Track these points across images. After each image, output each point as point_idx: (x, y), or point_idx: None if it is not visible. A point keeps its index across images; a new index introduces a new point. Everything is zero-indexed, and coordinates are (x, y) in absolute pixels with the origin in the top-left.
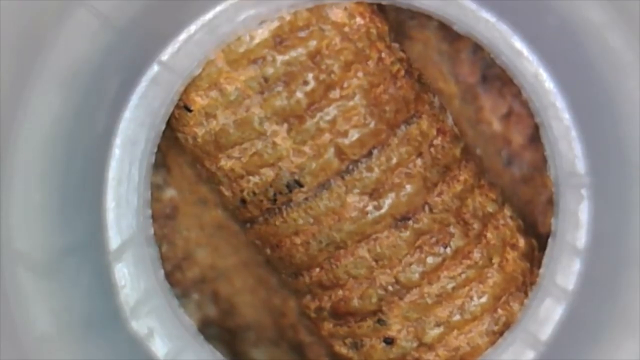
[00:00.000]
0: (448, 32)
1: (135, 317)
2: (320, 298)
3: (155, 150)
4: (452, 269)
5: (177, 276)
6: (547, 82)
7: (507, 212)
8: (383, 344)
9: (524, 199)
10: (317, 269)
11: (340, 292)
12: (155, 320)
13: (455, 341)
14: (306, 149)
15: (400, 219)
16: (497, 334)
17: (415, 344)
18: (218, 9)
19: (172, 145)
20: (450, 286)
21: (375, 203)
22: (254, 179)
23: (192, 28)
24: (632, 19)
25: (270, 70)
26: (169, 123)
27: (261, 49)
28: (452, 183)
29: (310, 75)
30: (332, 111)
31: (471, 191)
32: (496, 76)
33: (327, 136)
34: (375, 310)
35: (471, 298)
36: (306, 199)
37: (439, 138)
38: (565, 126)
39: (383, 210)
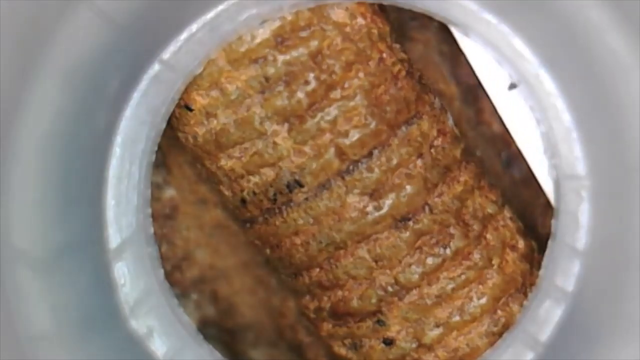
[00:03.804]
0: (449, 33)
1: (135, 316)
2: (320, 298)
3: (155, 148)
4: (451, 270)
5: (176, 276)
6: (548, 84)
7: (507, 213)
8: (382, 345)
9: (523, 200)
10: (317, 269)
11: (339, 293)
12: (154, 319)
13: (454, 342)
14: (307, 148)
15: (400, 220)
16: (497, 335)
17: (414, 345)
18: (220, 8)
19: (173, 144)
20: (449, 287)
21: (375, 203)
22: (254, 178)
23: (194, 27)
24: (632, 21)
25: (271, 70)
26: (169, 122)
27: (262, 49)
28: (452, 184)
29: (311, 75)
30: (332, 111)
31: (471, 192)
32: None
33: (327, 136)
34: (375, 310)
35: (471, 299)
36: (306, 199)
37: (440, 139)
38: (566, 128)
39: (383, 211)
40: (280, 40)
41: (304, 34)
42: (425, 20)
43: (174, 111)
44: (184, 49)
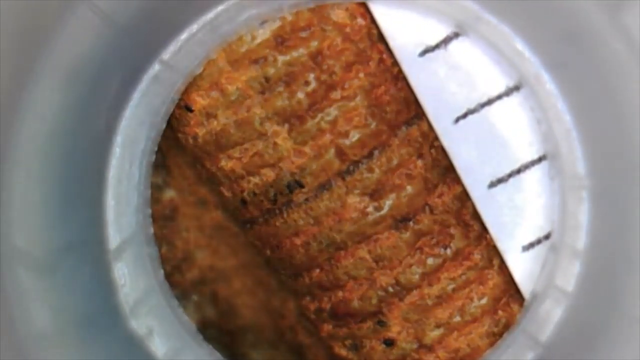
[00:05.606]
0: None
1: (135, 316)
2: (320, 299)
3: (155, 149)
4: (452, 270)
5: (176, 277)
6: (548, 84)
7: None
8: (383, 346)
9: None
10: (317, 270)
11: (340, 293)
12: (154, 319)
13: (455, 342)
14: (307, 149)
15: (401, 220)
16: (497, 336)
17: (415, 346)
18: (220, 8)
19: (172, 145)
20: (450, 287)
21: (375, 204)
22: (255, 179)
23: (194, 27)
24: (632, 21)
25: (271, 70)
26: (169, 123)
27: (262, 49)
28: (452, 184)
29: (311, 76)
30: (333, 111)
31: None
32: None
33: (328, 136)
34: (375, 311)
35: (471, 299)
36: (307, 199)
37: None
38: (566, 128)
39: (383, 211)
40: (281, 41)
41: (304, 34)
42: None
43: (173, 112)
44: (184, 49)
